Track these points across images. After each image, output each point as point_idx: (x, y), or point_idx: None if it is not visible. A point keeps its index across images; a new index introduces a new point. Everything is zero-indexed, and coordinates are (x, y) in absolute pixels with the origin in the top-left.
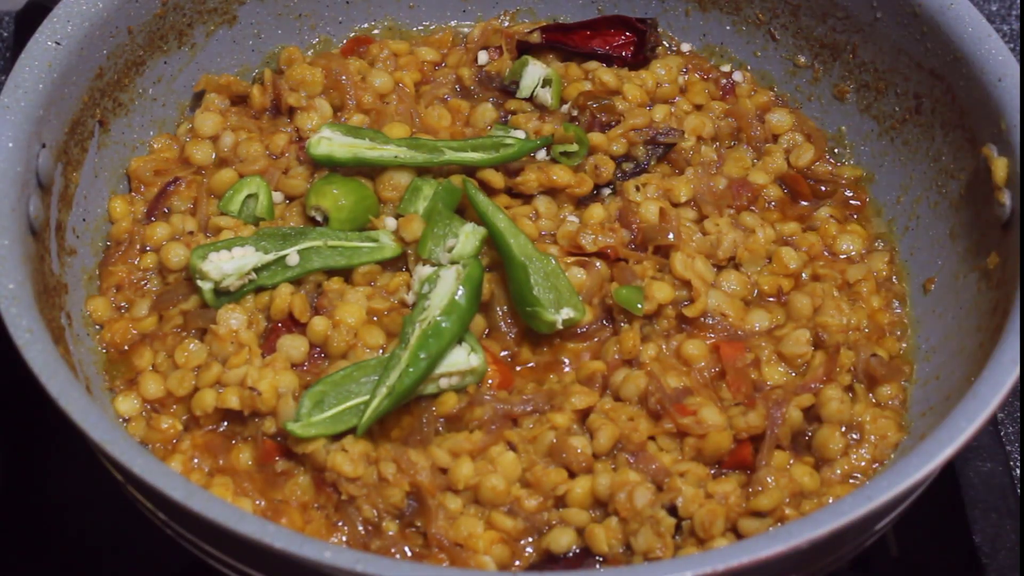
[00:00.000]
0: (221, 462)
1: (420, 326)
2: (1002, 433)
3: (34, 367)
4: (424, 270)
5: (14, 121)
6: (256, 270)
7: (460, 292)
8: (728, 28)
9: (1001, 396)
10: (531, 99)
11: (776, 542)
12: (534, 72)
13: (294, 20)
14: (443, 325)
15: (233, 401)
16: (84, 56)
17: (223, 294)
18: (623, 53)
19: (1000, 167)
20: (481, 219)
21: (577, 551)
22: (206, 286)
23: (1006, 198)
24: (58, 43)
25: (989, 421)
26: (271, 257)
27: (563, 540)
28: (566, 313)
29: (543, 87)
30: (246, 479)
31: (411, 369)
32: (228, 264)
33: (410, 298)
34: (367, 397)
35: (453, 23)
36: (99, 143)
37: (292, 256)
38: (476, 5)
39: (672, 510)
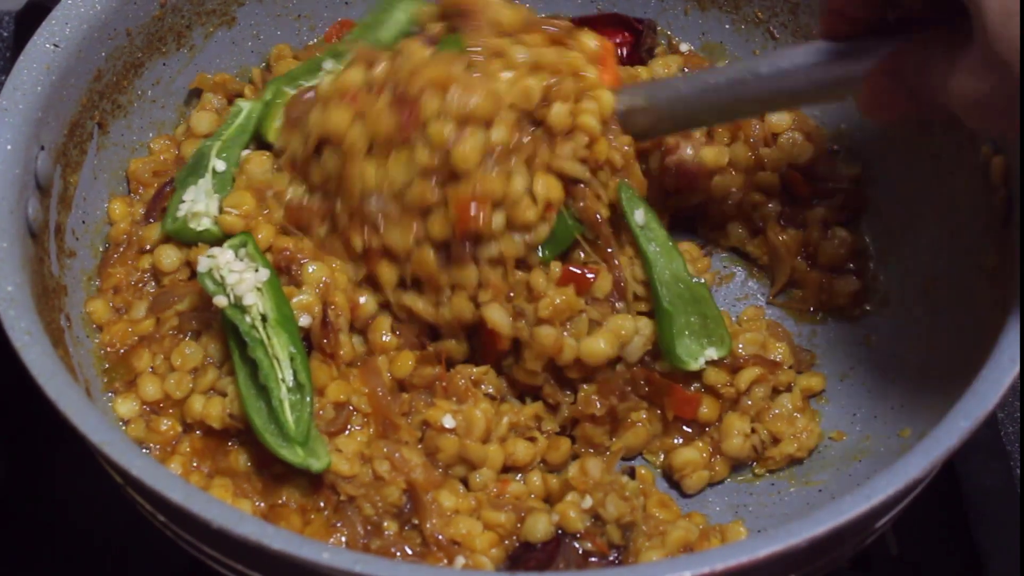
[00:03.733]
0: (221, 464)
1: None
2: (1002, 433)
3: (33, 369)
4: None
5: (13, 123)
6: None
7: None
8: (727, 27)
9: (1000, 395)
10: None
11: (776, 542)
12: None
13: (293, 21)
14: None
15: (214, 419)
16: (82, 58)
17: (238, 306)
18: (620, 52)
19: (999, 166)
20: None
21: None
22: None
23: (1006, 197)
24: (56, 45)
25: (989, 419)
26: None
27: (539, 527)
28: (710, 354)
29: None
30: (245, 481)
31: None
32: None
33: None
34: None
35: None
36: (98, 145)
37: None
38: None
39: (631, 473)
